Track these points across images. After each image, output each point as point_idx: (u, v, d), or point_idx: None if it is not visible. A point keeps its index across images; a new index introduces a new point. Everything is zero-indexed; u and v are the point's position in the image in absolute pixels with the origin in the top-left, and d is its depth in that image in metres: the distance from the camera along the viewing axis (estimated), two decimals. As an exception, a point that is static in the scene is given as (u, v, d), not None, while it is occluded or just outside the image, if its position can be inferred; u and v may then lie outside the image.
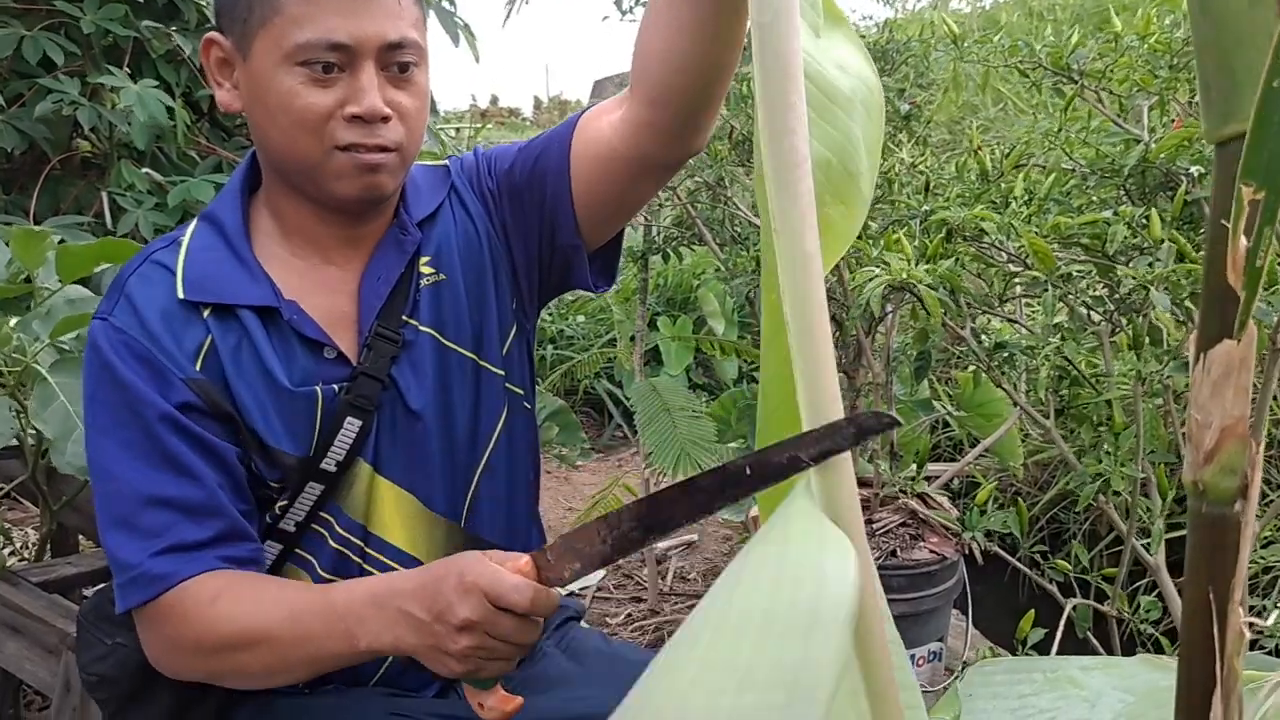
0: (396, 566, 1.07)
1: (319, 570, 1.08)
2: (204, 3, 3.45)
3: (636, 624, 2.86)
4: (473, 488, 1.13)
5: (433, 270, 1.11)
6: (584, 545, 0.83)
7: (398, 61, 1.00)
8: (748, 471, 0.67)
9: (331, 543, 1.07)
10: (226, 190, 1.12)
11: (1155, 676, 0.88)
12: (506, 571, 0.86)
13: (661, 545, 3.31)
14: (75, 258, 1.68)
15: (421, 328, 1.09)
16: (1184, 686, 0.51)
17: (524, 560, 0.88)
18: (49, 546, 2.06)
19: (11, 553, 2.58)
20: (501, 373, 1.15)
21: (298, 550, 1.08)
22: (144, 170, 3.28)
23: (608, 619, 2.89)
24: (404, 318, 1.08)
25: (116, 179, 3.27)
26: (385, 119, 1.00)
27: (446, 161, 1.19)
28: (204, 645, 0.96)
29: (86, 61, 3.31)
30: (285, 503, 1.06)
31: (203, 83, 3.58)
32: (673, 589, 3.08)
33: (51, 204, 3.35)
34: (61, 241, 1.76)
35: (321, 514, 1.06)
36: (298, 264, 1.08)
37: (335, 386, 1.04)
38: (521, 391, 1.18)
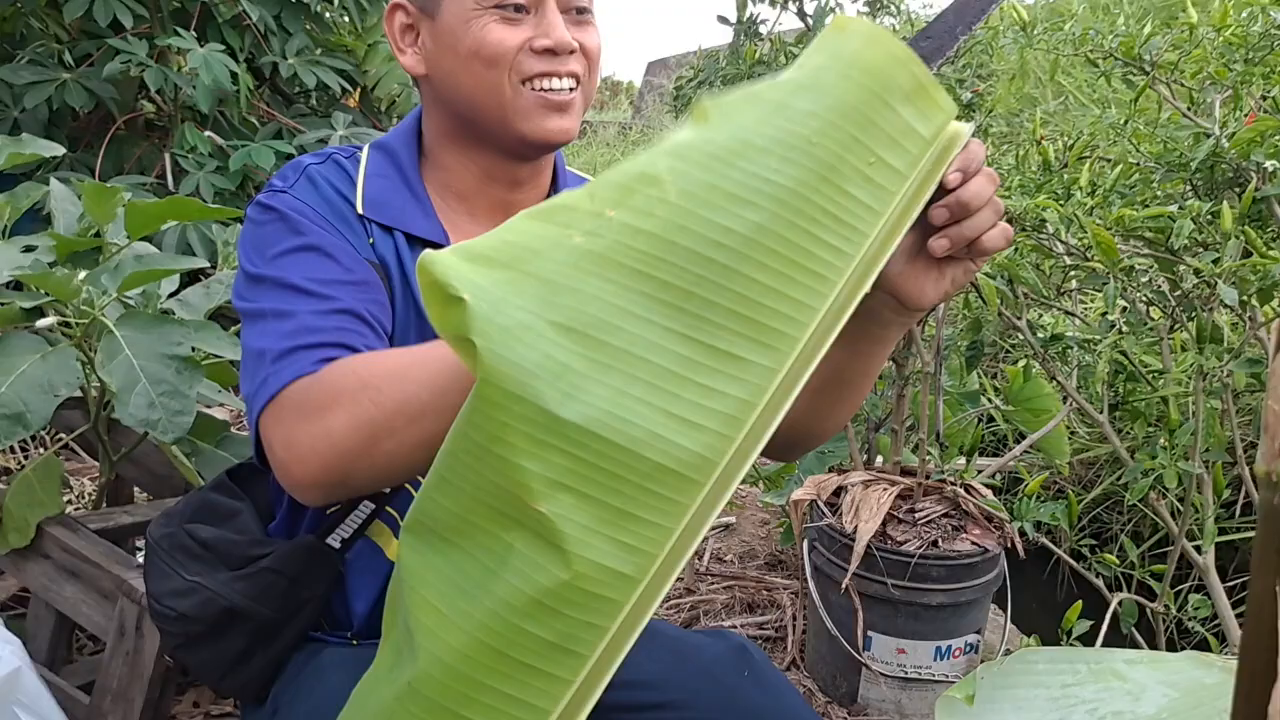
0: None
1: None
2: (270, -31, 3.49)
3: (672, 602, 2.87)
4: None
5: None
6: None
7: (576, 6, 1.07)
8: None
9: None
10: (400, 130, 1.15)
11: (1200, 674, 0.87)
12: None
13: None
14: (144, 214, 1.71)
15: None
16: (1244, 679, 0.51)
17: None
18: (105, 497, 2.11)
19: (68, 501, 2.65)
20: None
21: (388, 509, 1.10)
22: (206, 133, 3.33)
23: (644, 596, 2.90)
24: None
25: (179, 141, 3.32)
26: (571, 51, 1.05)
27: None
28: (361, 386, 0.85)
29: (155, 24, 3.37)
30: None
31: (265, 48, 3.63)
32: (709, 569, 3.09)
33: (115, 164, 3.42)
34: (131, 198, 1.80)
35: (417, 476, 1.08)
36: (453, 218, 1.12)
37: None
38: None
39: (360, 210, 1.07)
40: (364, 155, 1.13)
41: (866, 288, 0.73)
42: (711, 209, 0.68)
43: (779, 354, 0.69)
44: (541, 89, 1.05)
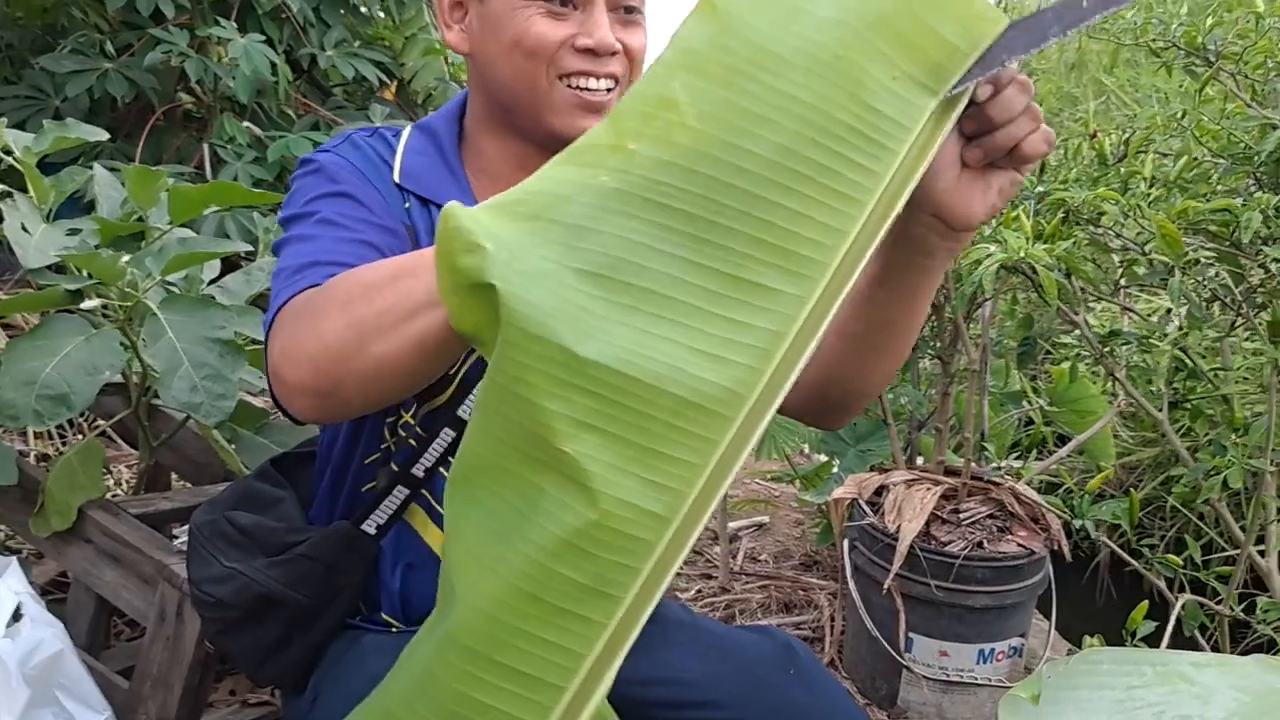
0: None
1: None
2: (310, -40, 3.49)
3: (706, 600, 2.84)
4: None
5: None
6: None
7: (625, 4, 1.05)
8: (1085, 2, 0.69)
9: None
10: (443, 112, 1.17)
11: (1271, 678, 0.84)
12: None
13: (733, 525, 3.29)
14: (186, 199, 1.70)
15: None
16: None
17: None
18: (144, 484, 2.11)
19: (107, 488, 2.65)
20: None
21: (424, 493, 1.08)
22: (245, 124, 3.34)
23: (678, 593, 2.88)
24: None
25: (218, 131, 3.33)
26: (613, 53, 1.04)
27: None
28: (353, 292, 0.83)
29: (195, 15, 3.38)
30: (421, 439, 1.06)
31: (304, 40, 3.64)
32: (743, 568, 3.06)
33: (154, 154, 3.44)
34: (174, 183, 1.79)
35: (450, 459, 1.06)
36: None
37: None
38: None
39: (397, 179, 1.08)
40: (406, 133, 1.14)
41: (899, 206, 0.70)
42: (732, 131, 0.66)
43: (808, 281, 0.67)
44: (578, 87, 1.04)
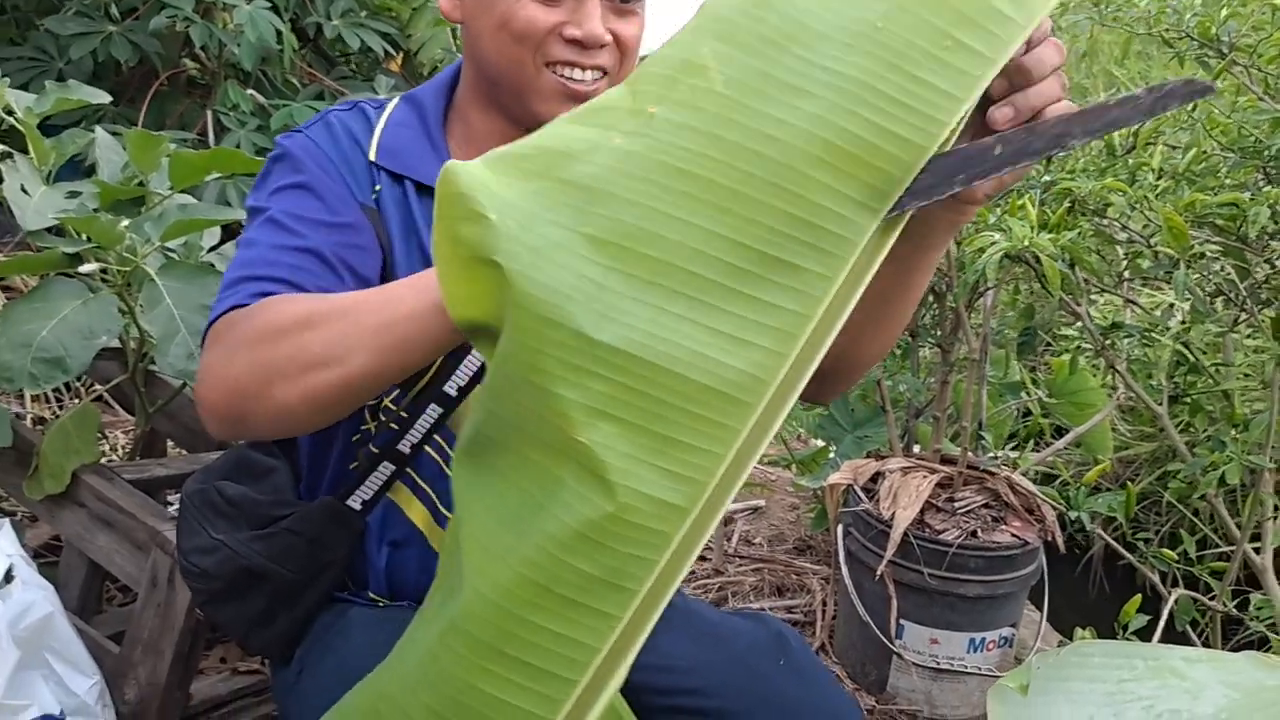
0: None
1: (430, 493, 1.08)
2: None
3: (700, 582, 2.85)
4: None
5: None
6: None
7: None
8: (996, 150, 0.65)
9: (447, 468, 1.07)
10: (433, 82, 1.15)
11: (1262, 675, 0.84)
12: None
13: (728, 508, 3.28)
14: (188, 165, 1.69)
15: None
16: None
17: None
18: (140, 450, 2.10)
19: (102, 453, 2.65)
20: None
21: (409, 471, 1.07)
22: (249, 92, 3.31)
23: (671, 574, 2.88)
24: None
25: (222, 98, 3.31)
26: (603, 46, 1.02)
27: None
28: (266, 331, 0.85)
29: (201, -21, 3.34)
30: (404, 421, 1.04)
31: (310, 9, 3.61)
32: (737, 551, 3.07)
33: (157, 120, 3.41)
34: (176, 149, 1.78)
35: (436, 438, 1.05)
36: None
37: None
38: None
39: (372, 157, 1.06)
40: (391, 105, 1.12)
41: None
42: (763, 99, 0.62)
43: (835, 260, 0.63)
44: (564, 76, 1.02)
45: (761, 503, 3.47)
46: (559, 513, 0.61)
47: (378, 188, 1.06)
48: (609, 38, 1.01)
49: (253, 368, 0.84)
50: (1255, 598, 1.55)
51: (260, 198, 1.03)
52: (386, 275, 1.04)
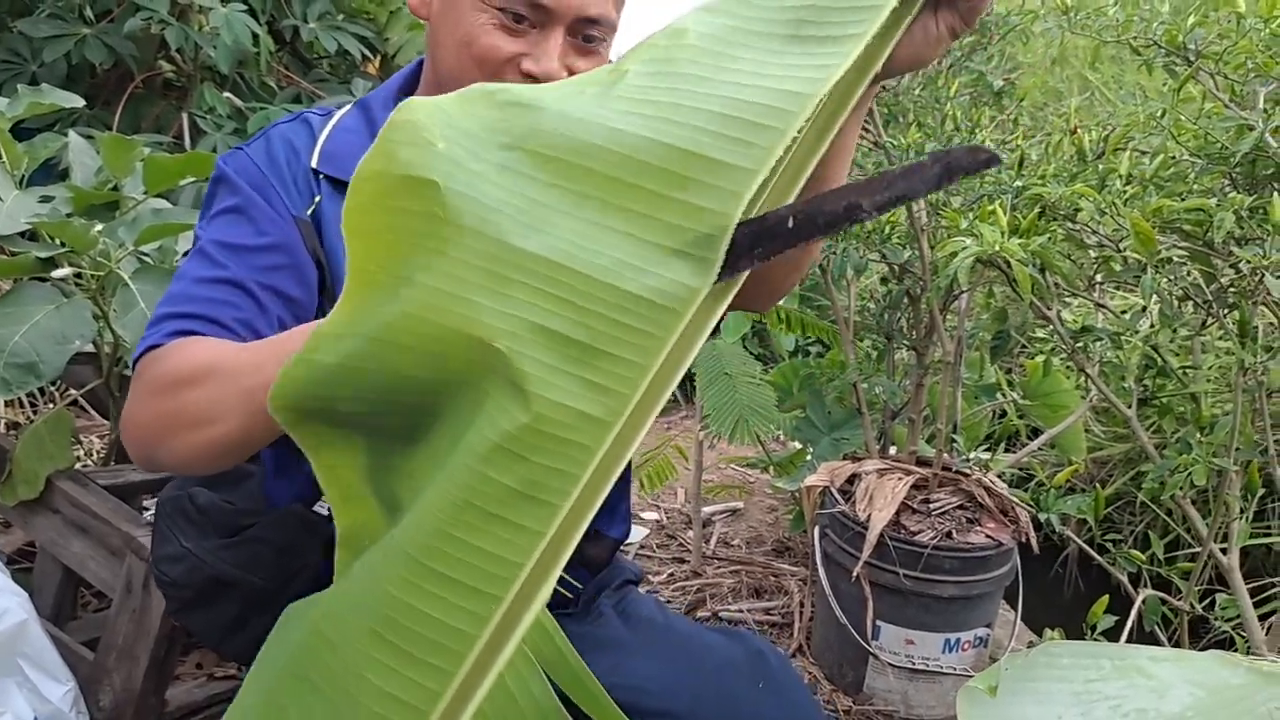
0: None
1: None
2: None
3: (678, 584, 2.86)
4: None
5: None
6: None
7: (588, 33, 1.02)
8: (790, 223, 0.63)
9: None
10: (386, 86, 1.15)
11: (1226, 674, 0.85)
12: None
13: (707, 510, 3.30)
14: (162, 169, 1.69)
15: None
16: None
17: None
18: (115, 454, 2.09)
19: (76, 458, 2.63)
20: None
21: None
22: (225, 95, 3.30)
23: (650, 577, 2.89)
24: None
25: (198, 101, 3.30)
26: None
27: None
28: (162, 382, 0.88)
29: (176, -18, 3.32)
30: None
31: (287, 12, 3.60)
32: (715, 553, 3.08)
33: (133, 122, 3.39)
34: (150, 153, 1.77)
35: None
36: None
37: None
38: None
39: (314, 164, 1.06)
40: (342, 111, 1.12)
41: (878, 66, 0.69)
42: (728, 44, 0.67)
43: (762, 152, 0.62)
44: None
45: (740, 505, 3.49)
46: (482, 426, 0.61)
47: (317, 198, 1.05)
48: (564, 76, 1.01)
49: (154, 417, 0.88)
50: (1221, 598, 1.57)
51: (201, 223, 1.04)
52: (324, 288, 1.04)
